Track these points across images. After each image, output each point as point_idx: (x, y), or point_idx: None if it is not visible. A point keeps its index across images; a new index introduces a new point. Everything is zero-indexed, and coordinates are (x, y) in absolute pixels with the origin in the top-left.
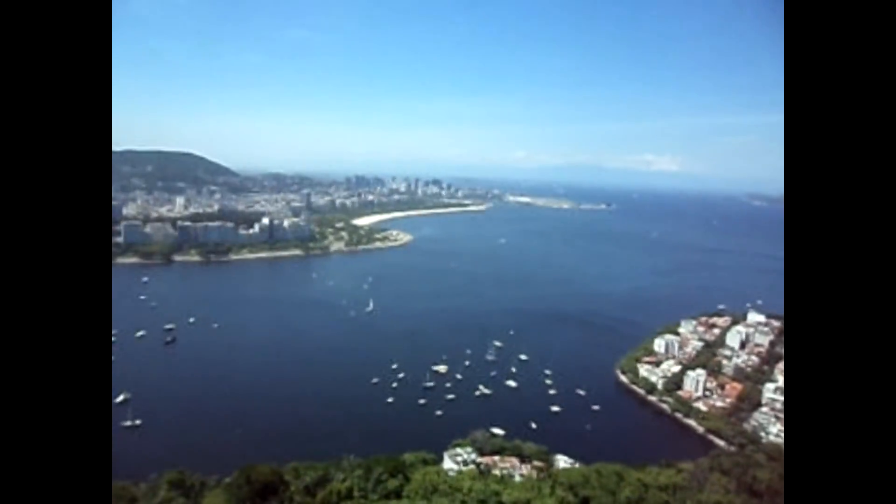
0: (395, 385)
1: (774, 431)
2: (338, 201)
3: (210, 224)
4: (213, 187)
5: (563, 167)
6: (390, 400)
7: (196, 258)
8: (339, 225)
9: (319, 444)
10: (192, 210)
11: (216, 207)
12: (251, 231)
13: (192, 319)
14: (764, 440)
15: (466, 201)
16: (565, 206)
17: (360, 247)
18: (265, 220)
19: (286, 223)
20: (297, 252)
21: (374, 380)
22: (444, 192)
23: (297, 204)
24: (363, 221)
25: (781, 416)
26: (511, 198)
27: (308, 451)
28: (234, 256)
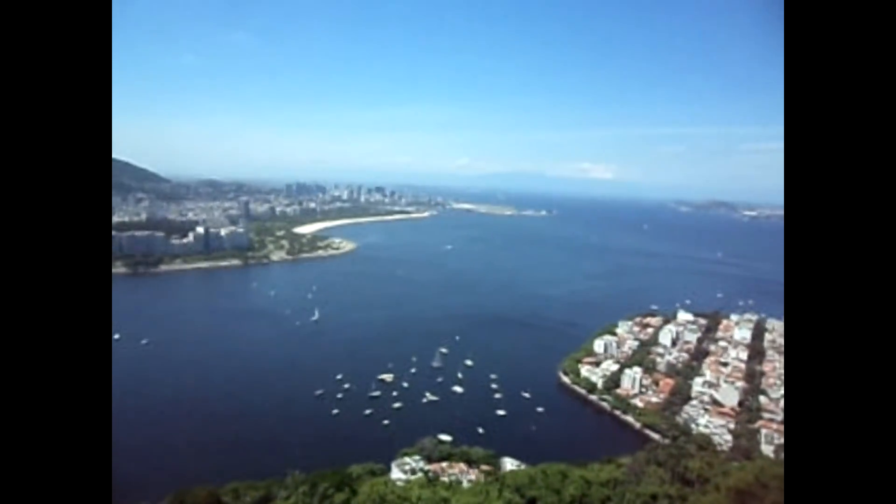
0: (340, 396)
1: (703, 423)
2: (278, 209)
3: (137, 233)
4: (141, 194)
5: (506, 174)
6: (336, 411)
7: (122, 270)
8: (280, 233)
9: (261, 462)
10: (116, 218)
11: (144, 216)
12: (185, 240)
13: (116, 336)
14: (694, 431)
15: (410, 208)
16: (508, 212)
17: (303, 255)
18: (200, 229)
19: (223, 232)
20: (236, 262)
21: (319, 391)
22: (387, 200)
23: (234, 212)
24: (305, 229)
25: (709, 407)
26: (455, 205)
27: (249, 471)
28: (165, 267)
